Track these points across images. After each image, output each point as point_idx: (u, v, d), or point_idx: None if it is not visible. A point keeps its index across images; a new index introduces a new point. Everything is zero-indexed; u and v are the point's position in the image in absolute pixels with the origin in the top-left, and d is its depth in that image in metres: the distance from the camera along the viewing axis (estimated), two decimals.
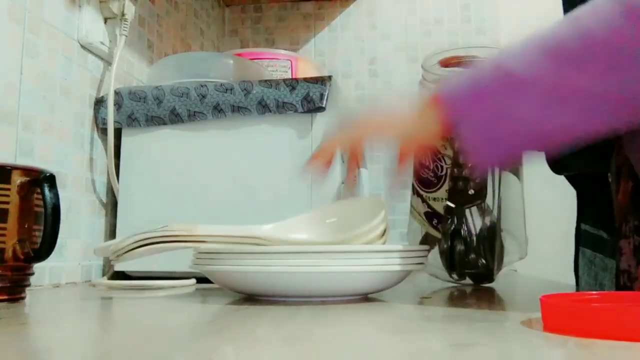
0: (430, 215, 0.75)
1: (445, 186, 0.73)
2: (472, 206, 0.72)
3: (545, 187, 0.95)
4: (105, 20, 0.97)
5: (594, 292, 0.46)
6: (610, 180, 0.67)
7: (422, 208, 0.76)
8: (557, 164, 0.80)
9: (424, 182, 0.76)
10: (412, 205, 0.78)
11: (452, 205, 0.72)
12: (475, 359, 0.31)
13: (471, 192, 0.71)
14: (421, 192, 0.76)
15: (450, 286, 0.77)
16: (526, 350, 0.34)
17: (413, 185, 0.78)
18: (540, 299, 0.38)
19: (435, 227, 0.75)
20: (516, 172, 0.76)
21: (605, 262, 0.73)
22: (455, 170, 0.72)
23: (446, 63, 0.75)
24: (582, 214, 0.79)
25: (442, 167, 0.73)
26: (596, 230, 0.75)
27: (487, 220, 0.72)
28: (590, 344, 0.33)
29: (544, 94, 0.48)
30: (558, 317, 0.37)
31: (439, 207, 0.74)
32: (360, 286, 0.58)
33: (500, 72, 0.51)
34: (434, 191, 0.74)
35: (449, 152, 0.72)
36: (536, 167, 0.82)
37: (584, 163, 0.73)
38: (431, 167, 0.74)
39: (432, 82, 0.75)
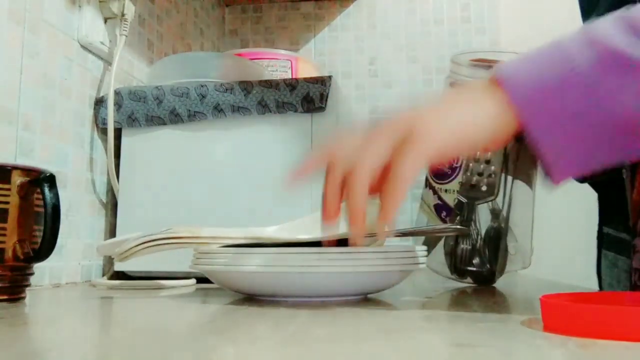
0: (440, 208, 0.75)
1: (459, 178, 0.73)
2: (483, 203, 0.72)
3: (560, 191, 0.95)
4: (105, 20, 0.97)
5: (594, 292, 0.46)
6: (624, 177, 0.67)
7: (432, 200, 0.76)
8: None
9: (437, 174, 0.75)
10: (422, 199, 0.78)
11: (464, 200, 0.72)
12: (475, 359, 0.31)
13: (484, 188, 0.71)
14: (433, 184, 0.76)
15: (450, 286, 0.77)
16: (526, 350, 0.34)
17: (426, 178, 0.78)
18: (540, 299, 0.38)
19: (443, 220, 0.75)
20: (528, 181, 0.76)
21: (628, 264, 0.73)
22: (471, 164, 0.71)
23: (474, 63, 0.74)
24: (604, 217, 0.78)
25: (457, 158, 0.73)
26: (618, 233, 0.74)
27: (495, 222, 0.72)
28: (590, 344, 0.33)
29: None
30: (558, 317, 0.37)
31: (449, 199, 0.74)
32: (360, 286, 0.58)
33: (599, 49, 0.41)
34: (447, 183, 0.74)
35: None
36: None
37: (609, 171, 0.72)
38: None
39: (462, 77, 0.74)
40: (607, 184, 0.76)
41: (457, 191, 0.73)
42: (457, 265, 0.74)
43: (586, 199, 0.82)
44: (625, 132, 0.42)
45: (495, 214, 0.72)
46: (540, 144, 0.43)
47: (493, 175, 0.71)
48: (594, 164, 0.45)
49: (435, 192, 0.75)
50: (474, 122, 0.45)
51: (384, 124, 0.46)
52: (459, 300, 0.63)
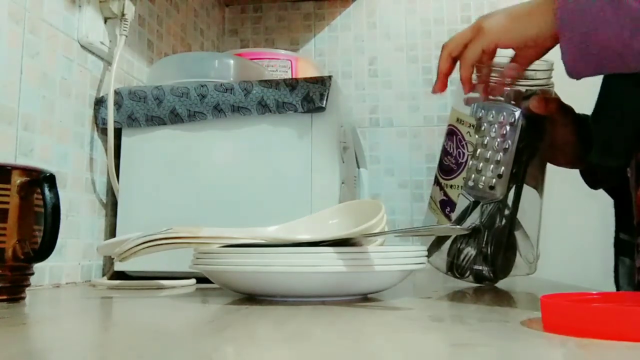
0: (444, 203, 0.75)
1: (463, 174, 0.72)
2: (489, 203, 0.71)
3: (563, 194, 0.94)
4: (105, 20, 0.97)
5: (594, 292, 0.46)
6: (629, 175, 0.67)
7: (439, 196, 0.76)
8: (593, 179, 0.79)
9: (444, 170, 0.75)
10: (431, 196, 0.78)
11: (470, 199, 0.72)
12: (475, 359, 0.31)
13: (492, 188, 0.70)
14: (440, 180, 0.76)
15: (450, 286, 0.77)
16: (526, 350, 0.34)
17: (435, 175, 0.78)
18: (540, 299, 0.38)
19: (447, 216, 0.75)
20: (538, 188, 0.76)
21: None
22: (481, 164, 0.71)
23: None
24: (621, 224, 0.78)
25: (463, 153, 0.73)
26: (635, 239, 0.74)
27: (502, 225, 0.71)
28: (590, 344, 0.33)
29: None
30: (558, 317, 0.37)
31: (454, 194, 0.74)
32: (360, 286, 0.58)
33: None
34: (452, 178, 0.74)
35: (473, 139, 0.72)
36: (560, 170, 0.82)
37: (620, 177, 0.72)
38: (454, 154, 0.74)
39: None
40: (622, 190, 0.75)
41: (462, 187, 0.72)
42: (460, 264, 0.74)
43: (602, 204, 0.82)
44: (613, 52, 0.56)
45: (502, 215, 0.72)
46: (563, 49, 0.58)
47: (501, 176, 0.70)
48: (598, 68, 0.59)
49: (441, 188, 0.76)
50: (526, 24, 0.62)
51: (470, 27, 0.67)
52: (458, 300, 0.63)
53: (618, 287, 0.77)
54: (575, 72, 0.59)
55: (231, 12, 1.73)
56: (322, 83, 0.88)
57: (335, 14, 1.69)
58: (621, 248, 0.77)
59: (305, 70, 1.22)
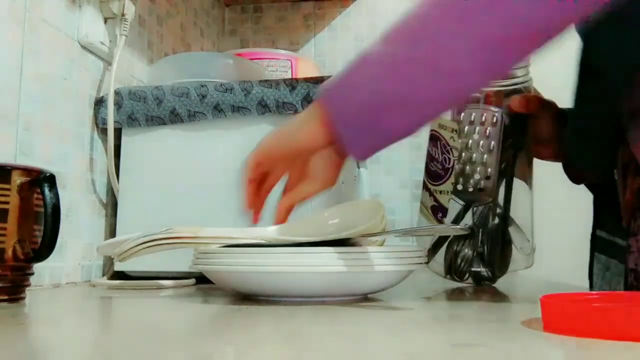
0: (436, 209, 0.75)
1: (451, 179, 0.73)
2: (480, 205, 0.71)
3: (557, 190, 0.95)
4: (105, 20, 0.97)
5: (594, 292, 0.46)
6: (616, 177, 0.67)
7: (429, 202, 0.76)
8: (575, 175, 0.80)
9: (432, 175, 0.75)
10: (421, 202, 0.78)
11: (461, 203, 0.72)
12: (475, 359, 0.31)
13: (481, 190, 0.70)
14: (429, 186, 0.76)
15: (450, 286, 0.77)
16: (526, 350, 0.34)
17: (424, 180, 0.78)
18: (540, 299, 0.39)
19: (439, 221, 0.75)
20: (527, 180, 0.76)
21: (619, 268, 0.73)
22: (467, 167, 0.71)
23: None
24: (598, 221, 0.78)
25: (449, 159, 0.73)
26: (611, 237, 0.75)
27: (495, 224, 0.72)
28: (590, 344, 0.33)
29: (383, 67, 0.55)
30: (558, 317, 0.37)
31: (444, 200, 0.74)
32: (360, 286, 0.58)
33: (358, 57, 0.57)
34: (441, 184, 0.74)
35: (457, 144, 0.72)
36: (551, 169, 0.82)
37: (603, 174, 0.72)
38: (440, 160, 0.74)
39: None
40: (604, 187, 0.76)
41: (452, 192, 0.73)
42: (458, 267, 0.74)
43: (588, 200, 0.82)
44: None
45: (494, 214, 0.72)
46: (338, 131, 0.57)
47: (489, 178, 0.71)
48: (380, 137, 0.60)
49: (431, 193, 0.76)
50: (292, 127, 0.62)
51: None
52: (458, 300, 0.63)
53: (591, 284, 0.77)
54: (360, 152, 0.59)
55: (231, 12, 1.73)
56: (322, 83, 0.88)
57: (335, 14, 1.69)
58: (597, 245, 0.78)
59: (305, 70, 1.22)
